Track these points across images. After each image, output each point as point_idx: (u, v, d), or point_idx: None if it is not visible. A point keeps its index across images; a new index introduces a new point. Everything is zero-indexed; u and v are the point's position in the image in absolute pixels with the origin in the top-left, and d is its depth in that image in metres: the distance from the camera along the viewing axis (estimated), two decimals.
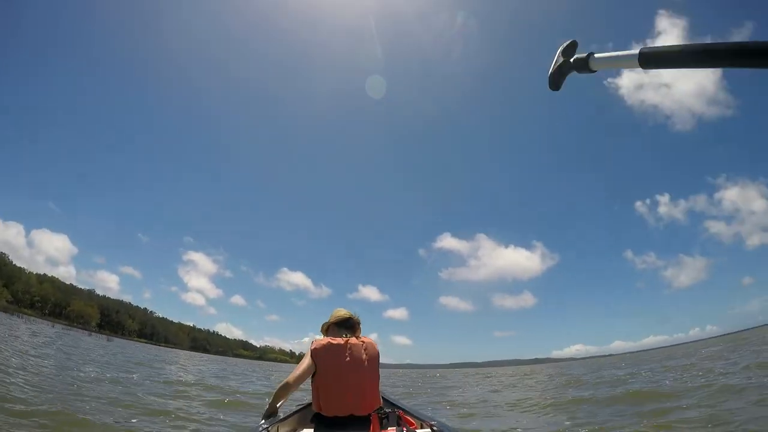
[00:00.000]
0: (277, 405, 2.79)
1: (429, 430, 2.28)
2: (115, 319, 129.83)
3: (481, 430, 6.53)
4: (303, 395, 3.65)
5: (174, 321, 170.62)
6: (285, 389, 2.63)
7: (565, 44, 1.37)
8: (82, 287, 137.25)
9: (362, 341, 2.72)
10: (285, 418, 2.81)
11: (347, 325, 2.92)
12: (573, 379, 17.40)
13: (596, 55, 1.24)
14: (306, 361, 2.62)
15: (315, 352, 2.60)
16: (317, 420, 2.56)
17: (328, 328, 2.97)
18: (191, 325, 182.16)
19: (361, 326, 2.99)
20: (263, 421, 2.57)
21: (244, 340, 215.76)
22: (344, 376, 2.55)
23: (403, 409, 2.77)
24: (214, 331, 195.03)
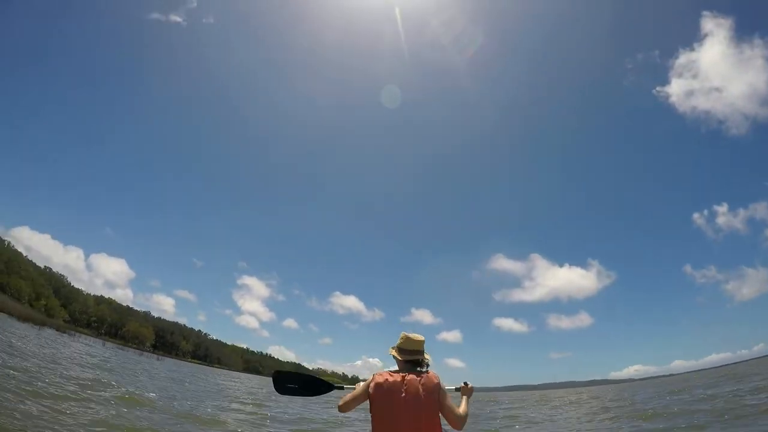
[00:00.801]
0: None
1: None
2: (169, 340, 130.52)
3: None
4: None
5: (227, 343, 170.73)
6: (340, 408, 2.89)
7: None
8: (138, 309, 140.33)
9: (421, 377, 2.82)
10: None
11: (413, 360, 2.99)
12: (632, 405, 15.44)
13: None
14: (360, 388, 2.88)
15: (372, 388, 2.81)
16: None
17: (398, 351, 3.06)
18: (244, 347, 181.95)
19: (428, 364, 3.03)
20: None
21: (297, 362, 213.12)
22: (398, 414, 2.67)
23: None
24: (267, 354, 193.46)
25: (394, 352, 3.05)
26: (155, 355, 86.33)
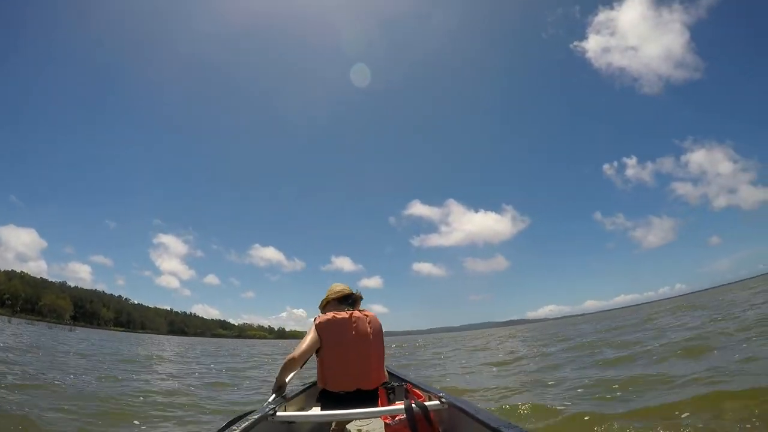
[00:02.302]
0: (286, 379, 2.71)
1: (437, 401, 2.18)
2: (89, 310, 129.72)
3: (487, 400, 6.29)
4: (309, 373, 3.47)
5: (150, 306, 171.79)
6: (291, 363, 2.54)
7: None
8: (54, 280, 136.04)
9: (366, 315, 2.66)
10: (292, 397, 2.75)
11: (349, 302, 2.81)
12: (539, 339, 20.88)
13: None
14: (310, 336, 2.55)
15: (319, 327, 2.56)
16: (324, 397, 2.54)
17: (326, 305, 2.87)
18: (168, 308, 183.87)
19: (361, 301, 2.89)
20: (272, 398, 2.50)
21: (222, 319, 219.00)
22: (350, 350, 2.51)
23: (410, 383, 2.70)
24: (191, 313, 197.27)
25: (329, 296, 2.90)
26: (67, 326, 78.75)
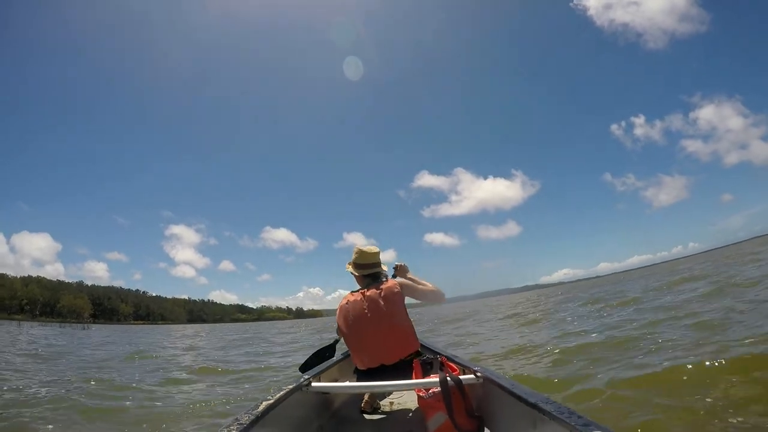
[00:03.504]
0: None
1: (473, 375, 2.18)
2: (108, 306, 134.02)
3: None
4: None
5: (168, 297, 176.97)
6: (331, 345, 2.92)
7: None
8: (71, 281, 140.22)
9: (381, 289, 2.63)
10: (327, 368, 2.81)
11: (372, 274, 2.80)
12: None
13: None
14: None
15: (337, 315, 2.69)
16: (358, 371, 2.63)
17: (354, 267, 2.87)
18: (186, 298, 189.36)
19: (387, 272, 2.89)
20: (305, 374, 2.47)
21: (240, 304, 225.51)
22: (365, 330, 2.54)
23: (445, 356, 2.69)
24: (209, 300, 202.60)
25: (350, 268, 2.87)
26: (80, 325, 73.95)
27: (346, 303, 2.67)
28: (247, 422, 1.51)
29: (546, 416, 1.41)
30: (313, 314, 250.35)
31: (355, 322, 2.59)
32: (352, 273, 2.88)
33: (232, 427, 1.45)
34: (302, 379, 2.22)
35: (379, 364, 2.54)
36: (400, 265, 3.03)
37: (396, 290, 2.63)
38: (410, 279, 2.91)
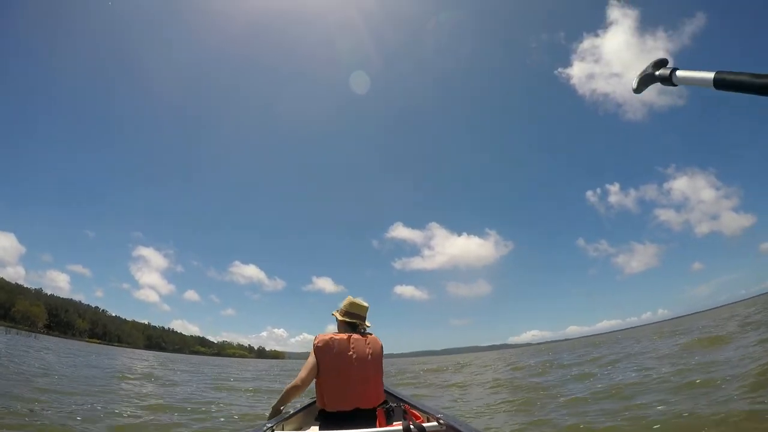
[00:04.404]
0: (281, 408, 2.76)
1: (435, 423, 2.18)
2: (64, 319, 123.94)
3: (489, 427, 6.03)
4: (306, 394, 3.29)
5: (128, 319, 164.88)
6: (294, 391, 2.62)
7: (656, 60, 1.49)
8: (30, 287, 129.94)
9: (366, 338, 2.72)
10: (290, 417, 2.75)
11: (353, 324, 2.86)
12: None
13: (678, 73, 1.35)
14: (311, 360, 2.59)
15: (318, 350, 2.59)
16: (322, 417, 2.54)
17: (339, 322, 2.92)
18: (146, 322, 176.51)
19: (365, 325, 2.93)
20: (268, 422, 2.47)
21: (201, 336, 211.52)
22: (347, 370, 2.53)
23: (408, 403, 2.71)
24: (169, 329, 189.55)
25: (338, 314, 2.94)
26: (33, 334, 71.21)
27: (330, 340, 2.64)
28: None
29: None
30: (275, 355, 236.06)
31: (339, 361, 2.57)
32: (339, 318, 2.92)
33: None
34: (264, 429, 2.19)
35: (354, 408, 2.52)
36: None
37: (380, 344, 2.75)
38: None
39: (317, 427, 2.54)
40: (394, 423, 2.36)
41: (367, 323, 2.97)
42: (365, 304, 2.99)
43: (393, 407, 2.55)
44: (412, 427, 2.07)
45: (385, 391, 2.94)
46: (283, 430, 2.47)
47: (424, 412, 2.56)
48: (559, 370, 13.63)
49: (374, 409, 2.54)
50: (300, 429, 2.85)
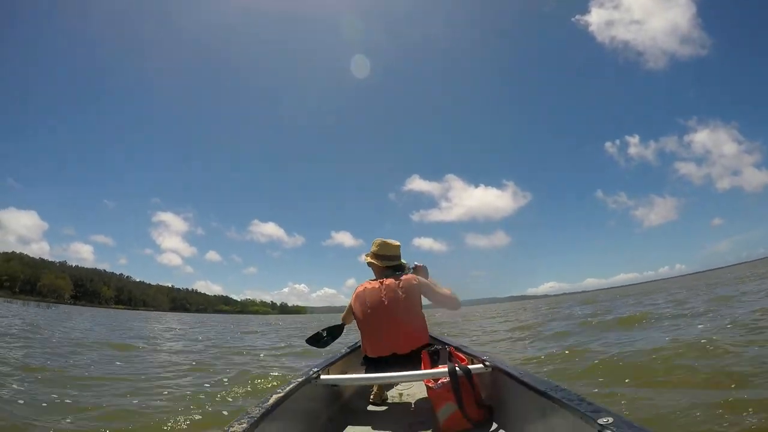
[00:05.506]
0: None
1: (481, 365, 2.19)
2: (90, 289, 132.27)
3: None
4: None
5: (152, 284, 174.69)
6: (339, 327, 3.02)
7: None
8: (55, 260, 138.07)
9: (399, 280, 2.64)
10: (336, 360, 2.83)
11: (392, 266, 2.81)
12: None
13: None
14: (349, 306, 2.78)
15: (353, 299, 2.70)
16: (367, 361, 2.64)
17: (374, 257, 2.85)
18: (170, 285, 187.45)
19: (408, 268, 2.89)
20: (315, 366, 2.49)
21: (225, 295, 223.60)
22: (380, 318, 2.55)
23: (453, 346, 2.71)
24: (193, 290, 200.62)
25: (370, 259, 2.85)
26: (45, 304, 71.81)
27: (363, 290, 2.68)
28: (258, 415, 1.51)
29: (556, 404, 1.41)
30: (298, 310, 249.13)
31: (371, 309, 2.59)
32: (371, 263, 2.86)
33: (242, 421, 1.43)
34: (311, 372, 2.23)
35: (391, 353, 2.53)
36: (420, 266, 3.00)
37: (414, 283, 2.65)
38: (436, 289, 2.86)
39: (362, 371, 2.63)
40: (440, 365, 2.29)
41: (403, 261, 2.89)
42: (396, 242, 2.88)
43: (438, 350, 2.46)
44: (457, 368, 2.04)
45: (431, 336, 2.95)
46: (329, 374, 2.46)
47: (470, 354, 2.52)
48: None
49: (418, 352, 2.49)
50: (345, 372, 2.88)
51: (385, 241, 2.85)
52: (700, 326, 7.14)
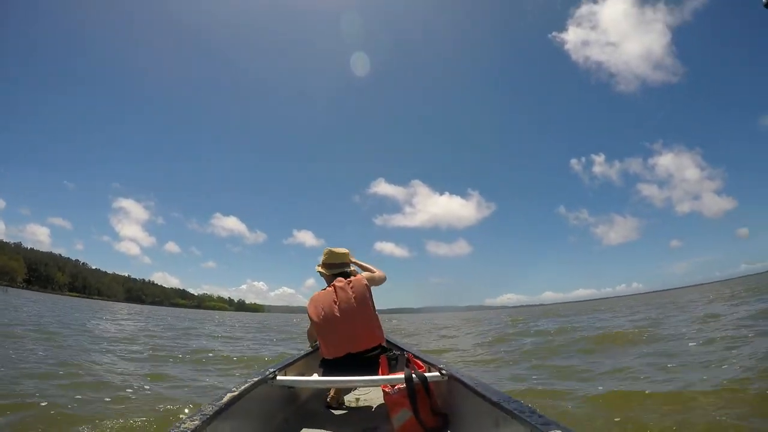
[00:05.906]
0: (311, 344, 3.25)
1: (437, 373, 2.16)
2: (44, 273, 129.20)
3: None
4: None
5: (108, 272, 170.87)
6: (309, 335, 3.17)
7: None
8: (11, 241, 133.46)
9: (349, 281, 2.76)
10: (293, 362, 2.84)
11: (341, 273, 2.92)
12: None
13: None
14: (308, 315, 2.78)
15: (309, 309, 2.76)
16: (324, 363, 2.67)
17: (324, 267, 2.99)
18: (126, 275, 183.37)
19: (356, 271, 3.01)
20: (270, 366, 2.46)
21: (182, 288, 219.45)
22: (332, 318, 2.62)
23: (411, 353, 2.71)
24: (149, 281, 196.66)
25: (320, 269, 2.98)
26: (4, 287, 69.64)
27: (317, 296, 2.79)
28: (211, 413, 1.48)
29: (508, 415, 1.43)
30: (255, 308, 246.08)
31: (325, 311, 2.66)
32: (322, 274, 2.99)
33: (195, 418, 1.39)
34: (267, 372, 2.19)
35: (346, 353, 2.58)
36: (356, 263, 3.10)
37: (363, 282, 2.76)
38: (358, 263, 3.08)
39: (319, 374, 2.64)
40: (397, 371, 2.36)
41: (353, 265, 3.06)
42: (343, 250, 3.01)
43: (396, 356, 2.58)
44: (414, 376, 2.08)
45: (388, 341, 3.06)
46: (286, 375, 2.46)
47: (427, 362, 2.54)
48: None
49: (375, 356, 2.59)
50: (302, 374, 2.88)
51: (331, 250, 2.99)
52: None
